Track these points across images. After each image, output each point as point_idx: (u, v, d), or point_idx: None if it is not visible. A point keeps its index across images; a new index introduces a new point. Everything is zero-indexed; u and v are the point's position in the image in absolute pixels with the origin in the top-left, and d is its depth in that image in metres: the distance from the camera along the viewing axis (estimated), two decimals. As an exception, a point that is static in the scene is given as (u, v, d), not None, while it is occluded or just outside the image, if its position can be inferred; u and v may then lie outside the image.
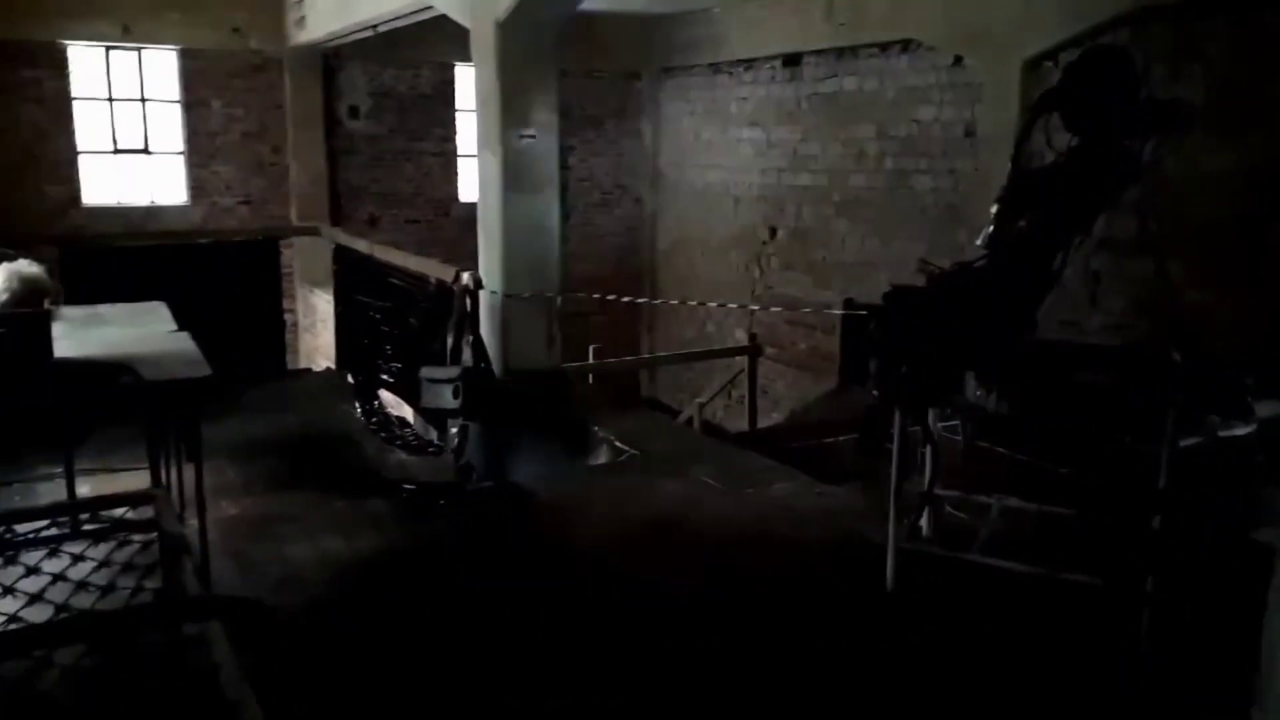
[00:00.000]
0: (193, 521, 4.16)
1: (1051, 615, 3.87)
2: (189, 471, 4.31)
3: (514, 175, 6.25)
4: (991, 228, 4.11)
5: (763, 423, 9.42)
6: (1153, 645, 3.54)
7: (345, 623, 4.06)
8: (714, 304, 10.61)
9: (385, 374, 7.14)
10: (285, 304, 10.92)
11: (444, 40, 9.36)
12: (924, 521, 4.56)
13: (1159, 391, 3.78)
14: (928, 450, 4.43)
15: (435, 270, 6.58)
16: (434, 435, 6.37)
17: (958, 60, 8.26)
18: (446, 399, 5.54)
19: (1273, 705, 1.13)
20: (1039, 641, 3.76)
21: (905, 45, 8.74)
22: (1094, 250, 5.78)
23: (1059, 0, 7.07)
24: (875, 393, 4.28)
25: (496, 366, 6.15)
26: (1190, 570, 3.43)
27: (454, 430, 5.71)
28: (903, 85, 8.84)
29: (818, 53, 9.70)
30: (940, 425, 4.83)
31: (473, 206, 6.78)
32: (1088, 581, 3.79)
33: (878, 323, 4.31)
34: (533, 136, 6.29)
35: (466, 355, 5.77)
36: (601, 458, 6.35)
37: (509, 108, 6.23)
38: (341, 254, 8.60)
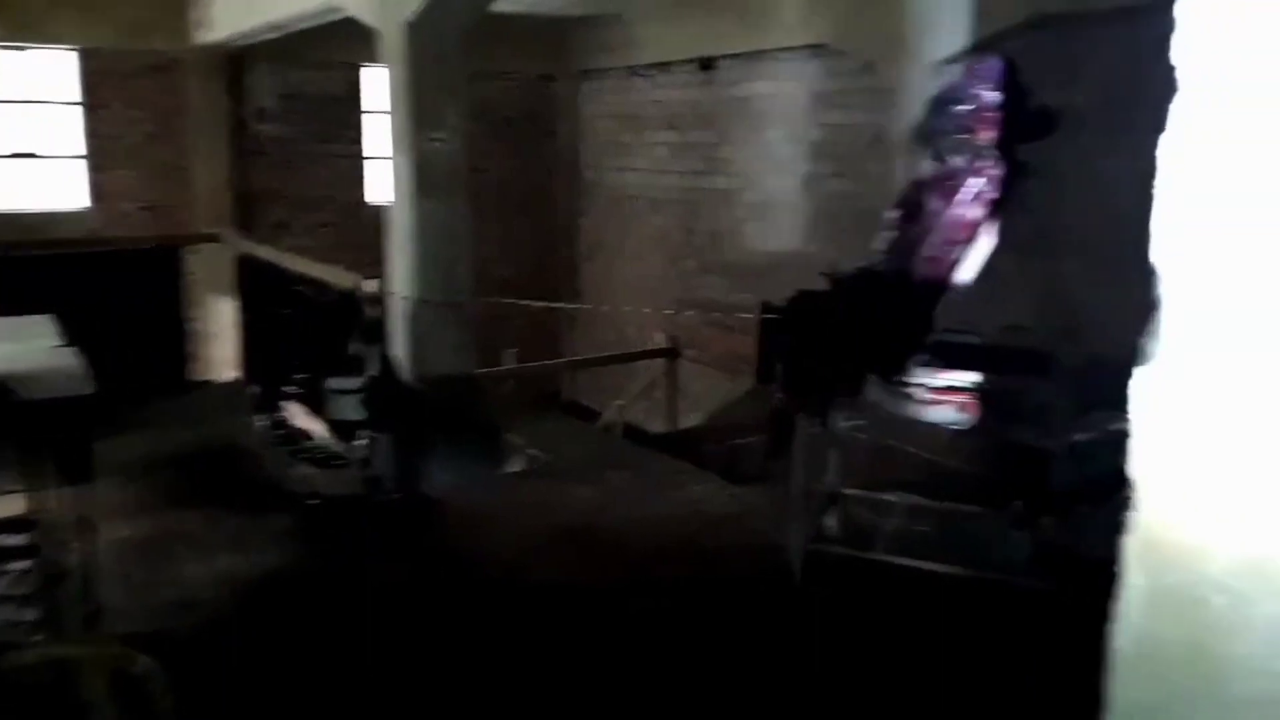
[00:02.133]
0: (80, 545, 3.99)
1: (955, 612, 3.97)
2: (77, 492, 4.12)
3: (425, 178, 6.17)
4: (890, 232, 4.21)
5: (682, 425, 9.46)
6: (1045, 641, 3.66)
7: (245, 645, 3.94)
8: (626, 309, 10.61)
9: (290, 385, 6.96)
10: (189, 313, 10.56)
11: (354, 42, 9.13)
12: (832, 521, 4.63)
13: (1052, 389, 3.92)
14: (833, 450, 4.51)
15: (341, 277, 6.44)
16: (341, 447, 6.23)
17: (868, 65, 8.42)
18: (353, 410, 5.43)
19: (1122, 714, 1.17)
20: (942, 639, 3.84)
21: (817, 50, 8.88)
22: (995, 251, 5.94)
23: (963, 7, 7.26)
24: (781, 395, 4.34)
25: (407, 374, 6.05)
26: (1082, 567, 3.54)
27: (361, 441, 5.60)
28: (815, 90, 8.98)
29: (732, 56, 9.79)
30: (847, 425, 4.93)
31: (384, 210, 6.67)
32: (990, 578, 3.90)
33: (784, 326, 4.38)
34: (444, 139, 6.21)
35: (374, 364, 5.65)
36: (516, 465, 6.30)
37: (419, 110, 6.14)
38: (245, 261, 8.36)
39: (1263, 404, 1.02)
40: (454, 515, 5.30)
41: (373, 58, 6.56)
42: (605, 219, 11.95)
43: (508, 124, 12.03)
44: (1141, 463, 1.14)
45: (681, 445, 7.19)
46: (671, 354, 9.56)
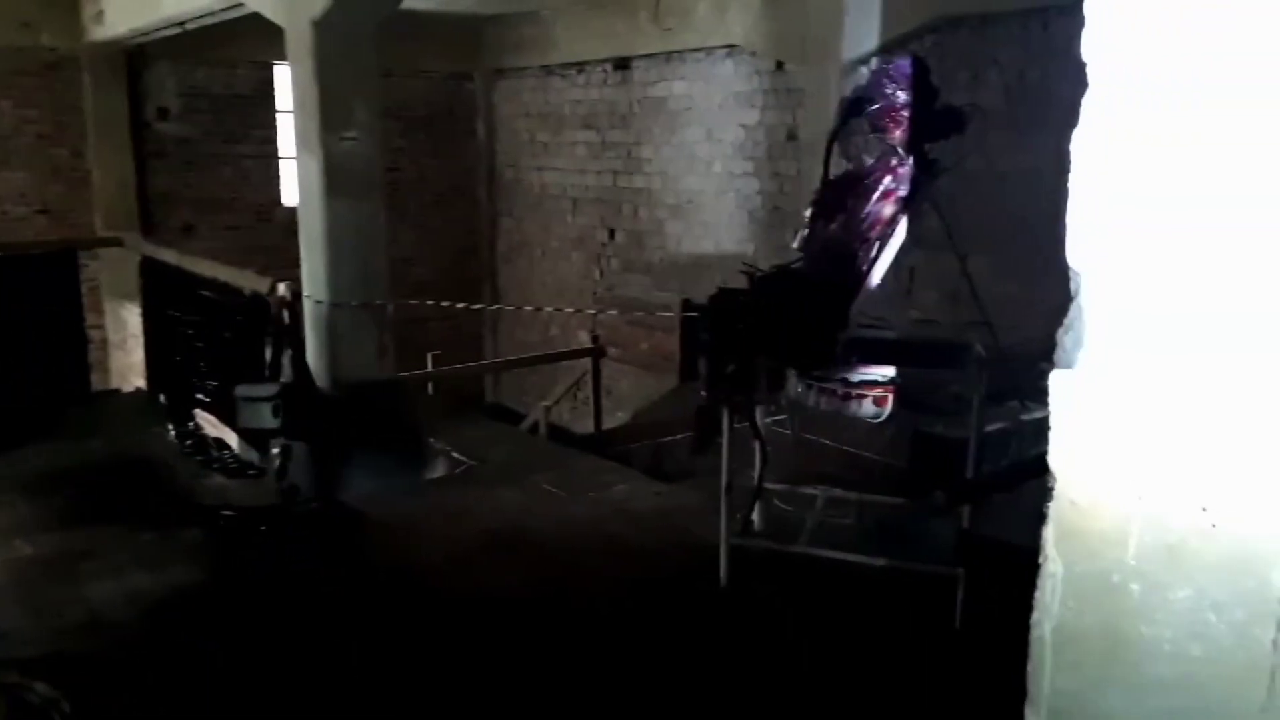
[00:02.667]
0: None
1: (874, 601, 4.04)
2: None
3: (336, 179, 6.01)
4: (806, 230, 4.25)
5: (608, 424, 9.42)
6: (966, 631, 3.75)
7: (157, 667, 3.76)
8: (550, 309, 10.54)
9: (200, 393, 6.71)
10: (91, 320, 10.08)
11: (261, 38, 8.86)
12: (756, 516, 4.66)
13: (965, 380, 4.01)
14: (756, 446, 4.54)
15: (250, 280, 6.24)
16: (254, 457, 6.03)
17: (780, 65, 8.53)
18: (266, 418, 5.25)
19: (1045, 705, 1.18)
20: (860, 628, 3.90)
21: (730, 50, 8.95)
22: (908, 247, 6.07)
23: (871, 9, 7.40)
24: (704, 392, 4.35)
25: (324, 380, 5.89)
26: (1000, 555, 3.64)
27: (276, 450, 5.43)
28: (729, 90, 9.05)
29: (646, 57, 9.80)
30: (769, 420, 4.97)
31: (296, 211, 6.48)
32: (910, 567, 3.97)
33: (705, 324, 4.38)
34: (354, 138, 6.06)
35: (287, 370, 5.48)
36: (439, 470, 6.19)
37: (328, 109, 5.98)
38: (148, 265, 8.02)
39: (1182, 395, 1.04)
40: (376, 524, 5.17)
41: (283, 55, 6.36)
42: (526, 218, 11.85)
43: (424, 123, 11.83)
44: (1058, 451, 1.16)
45: (607, 445, 7.16)
46: (595, 353, 9.52)
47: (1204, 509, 1.02)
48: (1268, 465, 0.98)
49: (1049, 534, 1.17)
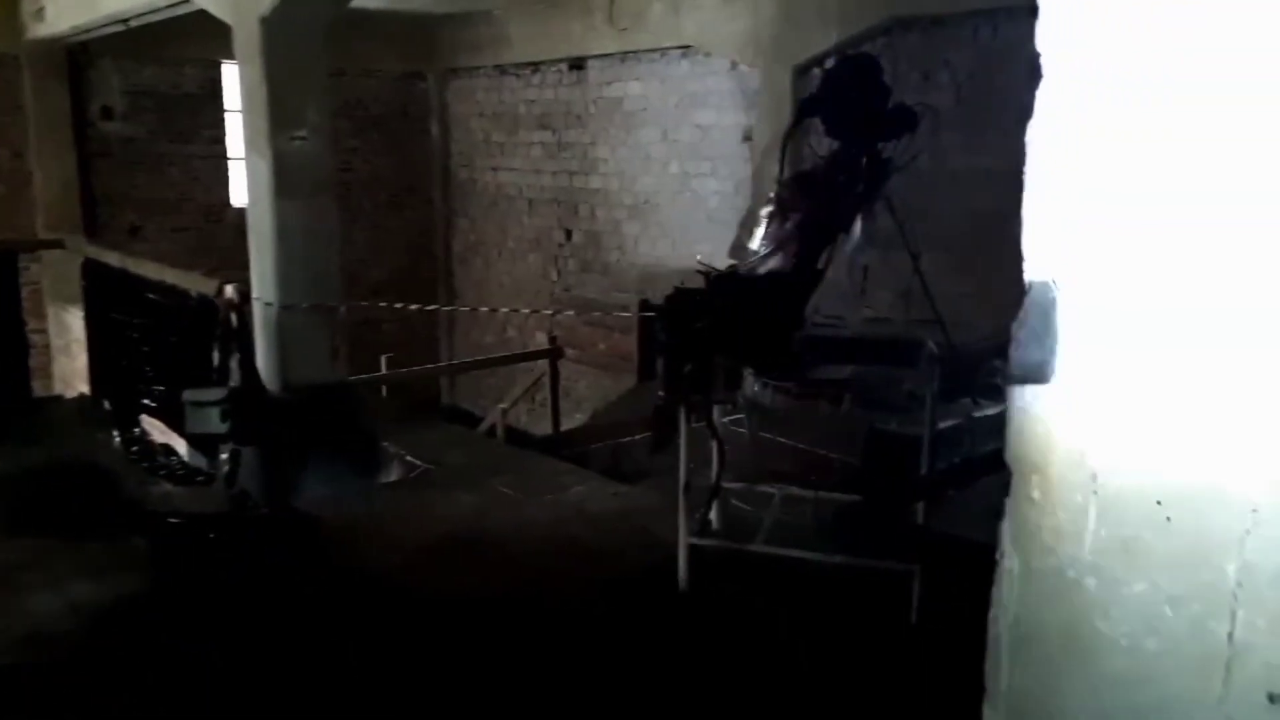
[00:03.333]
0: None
1: (832, 598, 4.04)
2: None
3: (286, 179, 5.90)
4: (762, 229, 4.25)
5: (566, 425, 9.38)
6: (921, 625, 3.77)
7: (101, 679, 3.64)
8: (507, 310, 10.47)
9: (146, 398, 6.55)
10: (32, 325, 9.79)
11: (208, 36, 8.66)
12: (713, 515, 4.65)
13: (918, 378, 4.03)
14: (714, 445, 4.53)
15: (197, 282, 6.10)
16: (203, 463, 5.90)
17: (734, 66, 8.55)
18: (214, 423, 5.13)
19: (1003, 702, 1.17)
20: (818, 626, 3.91)
21: (685, 51, 8.96)
22: (862, 247, 6.12)
23: (823, 10, 7.45)
24: (661, 393, 4.33)
25: (274, 383, 5.77)
26: (956, 551, 3.66)
27: (224, 456, 5.31)
28: (685, 90, 9.06)
29: (602, 57, 9.77)
30: (726, 420, 4.96)
31: (246, 212, 6.35)
32: (863, 564, 3.99)
33: (662, 324, 4.36)
34: (305, 138, 5.95)
35: (235, 374, 5.36)
36: (393, 475, 6.10)
37: (278, 108, 5.86)
38: (91, 268, 7.80)
39: (1136, 392, 1.03)
40: (329, 530, 5.07)
41: (231, 53, 6.23)
42: (481, 219, 11.76)
43: (376, 122, 11.69)
44: (1015, 448, 1.15)
45: (565, 446, 7.12)
46: (553, 354, 9.47)
47: (1159, 503, 1.02)
48: (1221, 460, 0.98)
49: (1006, 530, 1.16)
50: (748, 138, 8.50)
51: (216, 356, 5.57)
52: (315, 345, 6.00)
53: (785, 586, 4.13)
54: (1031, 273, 1.07)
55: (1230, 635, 0.99)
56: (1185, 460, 1.00)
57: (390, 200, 11.95)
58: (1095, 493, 1.07)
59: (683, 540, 4.22)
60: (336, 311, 6.11)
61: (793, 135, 4.17)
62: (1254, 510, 0.95)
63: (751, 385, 4.22)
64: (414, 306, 9.09)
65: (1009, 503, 1.14)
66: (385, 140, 11.82)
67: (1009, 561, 1.15)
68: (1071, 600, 1.10)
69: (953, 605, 3.56)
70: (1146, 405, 1.02)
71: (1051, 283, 1.06)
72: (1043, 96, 1.03)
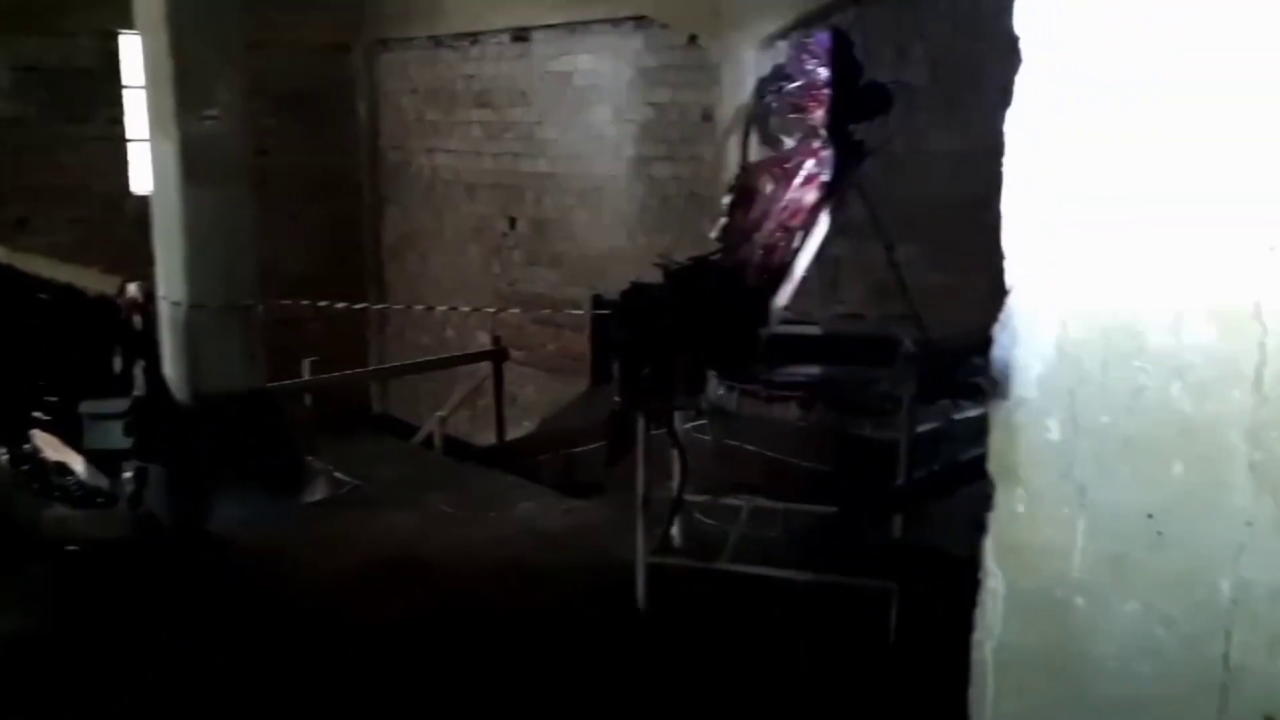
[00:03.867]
0: None
1: (804, 618, 4.08)
2: None
3: (195, 164, 5.80)
4: (724, 219, 4.28)
5: (512, 433, 9.34)
6: (900, 646, 3.82)
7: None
8: (445, 308, 10.40)
9: (38, 411, 6.40)
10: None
11: (104, 3, 8.54)
12: (675, 531, 4.67)
13: (894, 378, 4.09)
14: (675, 455, 4.54)
15: (95, 280, 5.98)
16: (103, 482, 5.78)
17: (693, 39, 8.58)
18: (116, 437, 5.04)
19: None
20: (788, 649, 3.94)
21: (638, 22, 8.96)
22: (832, 237, 6.18)
23: (789, -21, 7.51)
24: (618, 398, 4.33)
25: (183, 392, 5.67)
26: (938, 567, 3.71)
27: (128, 475, 5.23)
28: (639, 66, 9.06)
29: (547, 28, 9.74)
30: (688, 427, 4.98)
31: (151, 201, 6.24)
32: (837, 581, 4.03)
33: (617, 323, 4.37)
34: (216, 118, 5.86)
35: (139, 382, 5.27)
36: (319, 492, 6.04)
37: (185, 85, 5.76)
38: (-30, 265, 7.60)
39: (1123, 396, 1.05)
40: (247, 555, 5.01)
41: (131, 23, 6.11)
42: (415, 206, 11.65)
43: (297, 100, 11.52)
44: (998, 459, 1.17)
45: (511, 457, 7.09)
46: (497, 356, 9.42)
47: (1150, 516, 1.04)
48: (1215, 469, 1.00)
49: (989, 547, 1.18)
50: (708, 118, 8.53)
51: (118, 363, 5.48)
52: (229, 349, 5.90)
53: (753, 607, 4.16)
54: (1013, 273, 1.09)
55: (1226, 657, 1.02)
56: (1177, 470, 1.03)
57: (313, 187, 11.77)
58: (1083, 506, 1.09)
59: (641, 559, 4.23)
60: (253, 311, 6.03)
61: (755, 116, 4.20)
62: (1249, 524, 0.98)
63: (715, 389, 4.25)
64: (340, 305, 8.95)
65: (992, 517, 1.16)
66: (307, 120, 11.65)
67: (992, 581, 1.17)
68: (1059, 622, 1.12)
69: (934, 625, 3.61)
70: (1134, 411, 1.04)
71: (1031, 283, 1.08)
72: (1021, 81, 1.05)
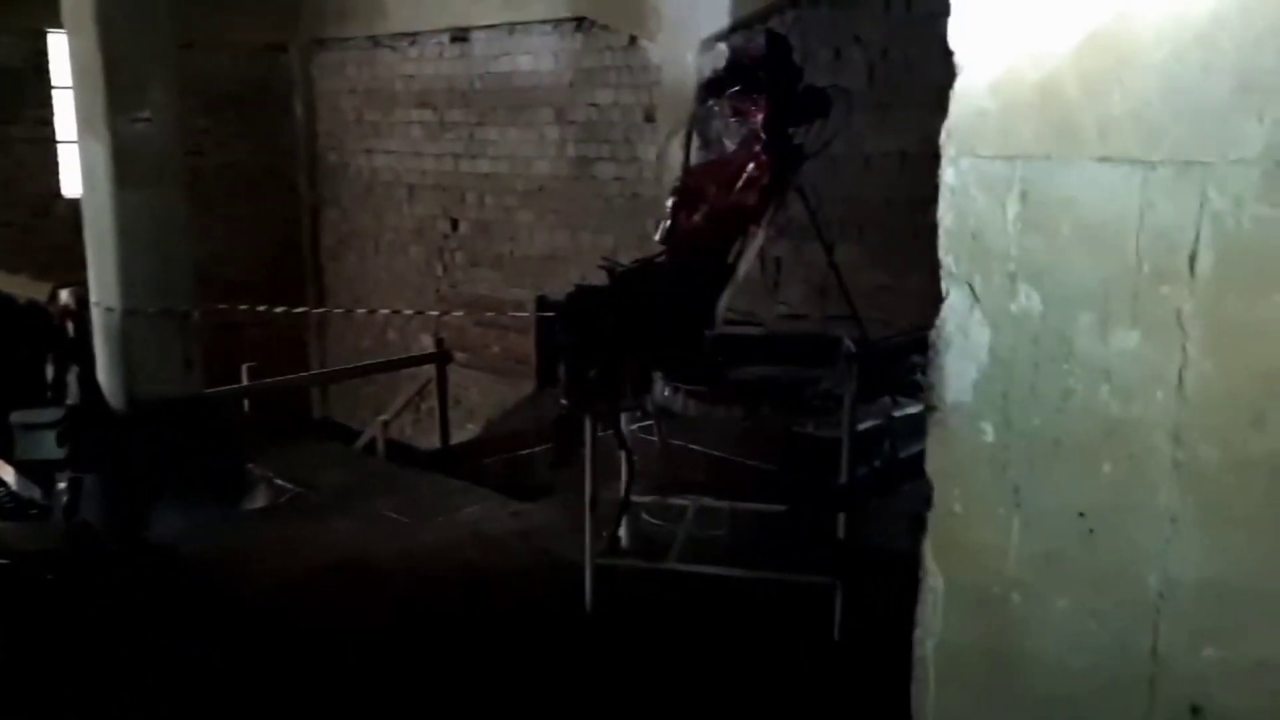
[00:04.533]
0: None
1: (750, 617, 4.12)
2: None
3: (127, 166, 5.71)
4: (667, 221, 4.30)
5: (457, 437, 9.30)
6: (845, 642, 3.88)
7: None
8: (386, 311, 10.30)
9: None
10: None
11: (31, 1, 8.32)
12: (622, 532, 4.68)
13: (834, 378, 4.14)
14: (622, 456, 4.55)
15: (25, 286, 5.83)
16: (36, 493, 5.64)
17: (633, 40, 8.60)
18: (49, 447, 4.92)
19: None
20: (735, 646, 3.98)
21: (579, 23, 8.96)
22: (774, 238, 6.25)
23: (728, -19, 7.56)
24: (563, 400, 4.33)
25: (118, 400, 5.55)
26: (879, 563, 3.77)
27: (62, 485, 5.10)
28: (579, 66, 9.05)
29: (488, 28, 9.69)
30: (634, 428, 4.99)
31: (81, 204, 6.10)
32: (782, 579, 4.08)
33: (563, 325, 4.37)
34: (148, 119, 5.76)
35: (73, 390, 5.15)
36: (260, 500, 5.95)
37: (117, 85, 5.66)
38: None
39: (1056, 398, 1.09)
40: (187, 565, 4.91)
41: (60, 21, 5.96)
42: (354, 208, 11.52)
43: (232, 101, 11.33)
44: (935, 459, 1.20)
45: (456, 461, 7.05)
46: (440, 359, 9.35)
47: (1081, 514, 1.08)
48: (1141, 468, 1.04)
49: (928, 546, 1.21)
50: (650, 118, 8.56)
51: (51, 371, 5.35)
52: (165, 355, 5.80)
53: (701, 606, 4.19)
54: (947, 279, 1.12)
55: (1154, 650, 1.06)
56: (1107, 470, 1.06)
57: (249, 189, 11.58)
58: (1018, 505, 1.13)
59: (589, 561, 4.23)
60: (189, 317, 5.93)
61: (697, 119, 4.22)
62: (1174, 520, 1.03)
63: (661, 390, 4.26)
64: (279, 309, 8.84)
65: (931, 517, 1.20)
66: (242, 121, 11.45)
67: (932, 579, 1.20)
68: (996, 618, 1.16)
69: (878, 621, 3.68)
70: (1067, 414, 1.08)
71: (969, 289, 1.11)
72: (957, 92, 1.08)
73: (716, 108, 4.26)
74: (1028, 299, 1.07)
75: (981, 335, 1.10)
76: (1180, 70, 0.95)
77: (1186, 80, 0.95)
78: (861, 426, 4.36)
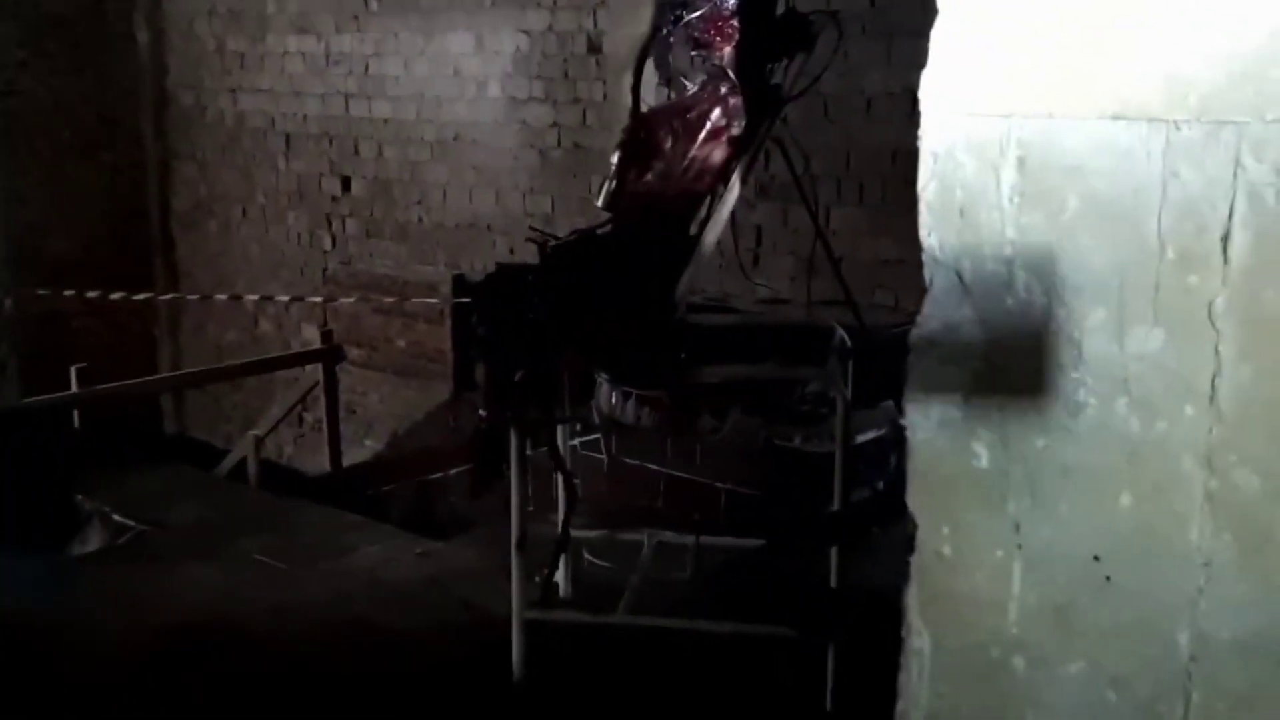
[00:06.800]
0: None
1: (720, 681, 4.16)
2: None
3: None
4: (614, 182, 4.31)
5: (351, 457, 9.28)
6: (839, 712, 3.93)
7: None
8: (257, 296, 10.23)
9: None
10: None
11: None
12: (560, 577, 4.70)
13: (825, 378, 4.19)
14: (559, 480, 4.57)
15: None
16: None
17: (573, -51, 8.62)
18: None
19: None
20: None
21: (505, -73, 8.96)
22: (750, 202, 6.30)
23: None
24: (484, 409, 4.34)
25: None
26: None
27: None
28: (507, -19, 9.06)
29: (388, -69, 9.67)
30: (576, 442, 5.02)
31: None
32: (762, 633, 4.12)
33: (480, 316, 4.37)
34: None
35: None
36: (93, 542, 5.93)
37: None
38: None
39: (1063, 421, 1.12)
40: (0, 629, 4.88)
41: None
42: (215, 163, 11.44)
43: (57, 26, 11.22)
44: (918, 491, 1.22)
45: (349, 489, 7.03)
46: (328, 356, 9.31)
47: (1096, 558, 1.11)
48: (1168, 500, 1.07)
49: (912, 597, 1.24)
50: (595, 48, 8.57)
51: None
52: (-32, 357, 5.75)
53: (658, 669, 4.22)
54: (932, 264, 1.15)
55: (1184, 722, 1.10)
56: (1126, 506, 1.10)
57: (80, 138, 11.46)
58: (1019, 546, 1.16)
59: (517, 615, 4.25)
60: (1, 305, 5.86)
61: (650, 52, 4.24)
62: (1206, 564, 1.06)
63: (608, 395, 4.29)
64: (117, 294, 8.75)
65: (914, 562, 1.22)
66: (71, 52, 11.34)
67: (917, 639, 1.23)
68: (996, 686, 1.18)
69: (880, 686, 3.72)
70: (1077, 437, 1.11)
71: (958, 277, 1.14)
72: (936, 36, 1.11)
73: (673, 37, 4.28)
74: (1027, 290, 1.09)
75: (973, 334, 1.13)
76: (1210, 9, 0.98)
77: (1217, 22, 0.98)
78: (859, 439, 4.42)
